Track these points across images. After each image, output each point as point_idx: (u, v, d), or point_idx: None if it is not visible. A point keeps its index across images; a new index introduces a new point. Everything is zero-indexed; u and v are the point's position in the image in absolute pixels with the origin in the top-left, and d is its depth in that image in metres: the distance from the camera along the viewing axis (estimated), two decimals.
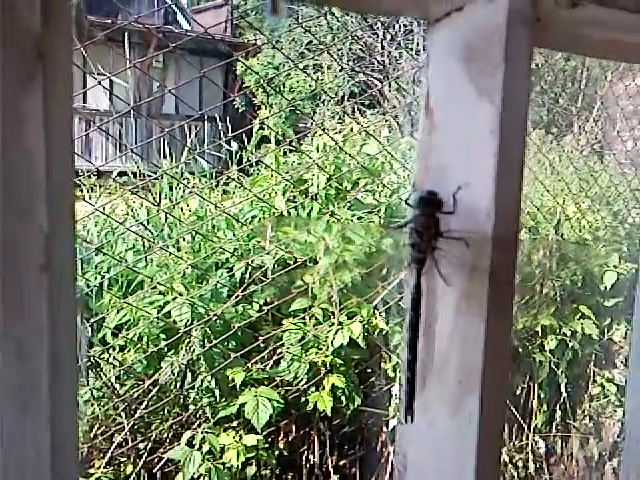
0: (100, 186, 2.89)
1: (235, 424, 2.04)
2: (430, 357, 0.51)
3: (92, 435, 1.77)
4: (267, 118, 2.68)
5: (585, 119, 5.51)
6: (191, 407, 2.03)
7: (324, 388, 2.09)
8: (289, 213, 2.35)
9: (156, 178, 2.57)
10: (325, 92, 7.07)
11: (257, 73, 8.60)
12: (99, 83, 1.76)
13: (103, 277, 2.10)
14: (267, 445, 2.02)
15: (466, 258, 0.49)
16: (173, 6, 13.39)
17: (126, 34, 7.90)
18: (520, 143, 0.49)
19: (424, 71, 0.50)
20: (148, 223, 2.35)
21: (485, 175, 0.47)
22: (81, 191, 2.71)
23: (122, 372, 1.95)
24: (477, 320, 0.48)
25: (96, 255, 2.13)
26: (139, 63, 7.03)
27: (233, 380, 2.02)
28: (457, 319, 0.49)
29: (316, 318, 2.15)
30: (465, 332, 0.49)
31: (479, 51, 0.47)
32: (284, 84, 8.77)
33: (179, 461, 1.85)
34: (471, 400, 0.48)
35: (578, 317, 2.78)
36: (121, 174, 2.82)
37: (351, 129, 3.00)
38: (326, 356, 2.10)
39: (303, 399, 2.08)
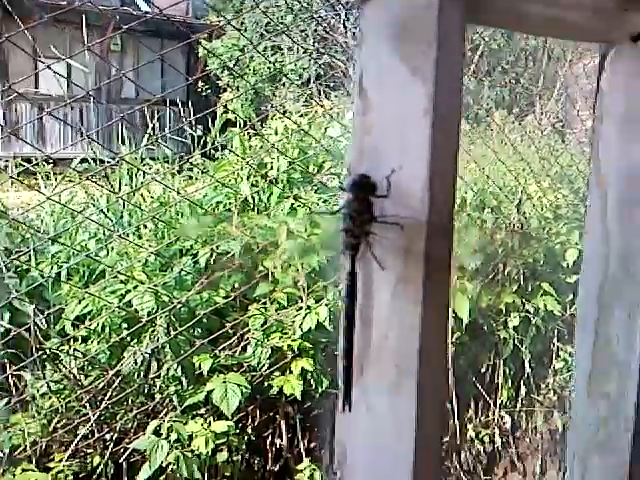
0: (60, 174, 2.81)
1: (203, 411, 2.03)
2: (368, 343, 0.50)
3: (52, 428, 1.74)
4: (230, 101, 2.62)
5: (547, 99, 5.58)
6: (157, 396, 2.01)
7: (292, 372, 2.09)
8: (253, 198, 2.33)
9: (116, 165, 2.51)
10: (286, 75, 7.00)
11: (215, 54, 8.44)
12: (48, 67, 1.69)
13: (60, 267, 2.06)
14: (237, 431, 2.02)
15: (401, 242, 0.48)
16: None
17: (81, 16, 7.68)
18: (455, 124, 0.48)
19: (357, 50, 0.49)
20: (108, 211, 2.30)
21: (419, 157, 0.46)
22: (35, 179, 2.64)
23: (86, 363, 1.91)
24: (413, 304, 0.48)
25: (52, 245, 2.08)
26: (97, 47, 6.85)
27: (200, 367, 2.00)
28: (394, 304, 0.49)
29: (279, 303, 2.14)
30: (402, 317, 0.48)
31: (411, 29, 0.45)
32: (248, 66, 8.65)
33: (145, 450, 1.84)
34: (409, 384, 0.48)
35: (541, 294, 2.83)
36: (83, 161, 2.75)
37: (315, 112, 2.98)
38: (293, 340, 2.09)
39: (266, 383, 2.08)
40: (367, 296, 0.50)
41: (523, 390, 2.87)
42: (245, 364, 2.07)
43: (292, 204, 2.39)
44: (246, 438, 2.12)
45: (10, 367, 1.73)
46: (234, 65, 7.68)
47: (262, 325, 2.12)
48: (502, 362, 2.78)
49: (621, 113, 0.65)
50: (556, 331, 2.89)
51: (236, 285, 2.15)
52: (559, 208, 3.22)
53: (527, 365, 2.80)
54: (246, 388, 1.95)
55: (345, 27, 7.20)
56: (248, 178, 2.37)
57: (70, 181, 2.67)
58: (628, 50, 0.63)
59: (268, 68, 8.30)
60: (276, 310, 2.15)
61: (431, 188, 0.46)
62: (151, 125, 2.91)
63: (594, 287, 0.69)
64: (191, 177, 2.98)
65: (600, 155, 0.66)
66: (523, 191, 3.04)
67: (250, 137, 2.67)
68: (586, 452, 0.70)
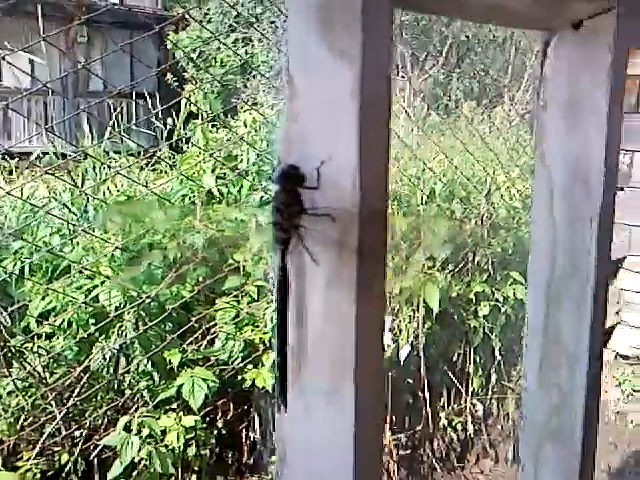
0: (26, 168, 2.76)
1: (175, 406, 2.02)
2: (303, 340, 0.49)
3: (19, 427, 1.70)
4: (191, 93, 2.59)
5: (515, 89, 5.63)
6: (127, 391, 1.99)
7: (263, 365, 2.08)
8: (219, 191, 2.30)
9: (78, 159, 2.46)
10: (255, 66, 6.96)
11: (176, 45, 8.34)
12: (3, 59, 1.65)
13: (23, 263, 2.01)
14: (205, 425, 2.01)
15: (333, 235, 0.46)
16: None
17: (39, 6, 7.49)
18: (384, 108, 0.46)
19: (283, 36, 0.47)
20: (72, 205, 2.26)
21: (348, 144, 0.44)
22: None
23: (51, 360, 1.88)
24: (347, 299, 0.46)
25: (14, 241, 2.04)
26: (62, 40, 6.71)
27: (170, 362, 1.99)
28: (328, 299, 0.47)
29: (250, 296, 2.13)
30: (337, 312, 0.47)
31: (336, 12, 0.44)
32: (215, 58, 8.57)
33: (116, 447, 1.82)
34: (346, 381, 0.47)
35: (510, 283, 2.87)
36: (44, 155, 2.70)
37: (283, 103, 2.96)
38: (264, 333, 2.09)
39: (239, 377, 2.07)
40: (300, 291, 0.49)
41: (494, 377, 2.91)
42: (214, 358, 2.06)
43: (262, 196, 2.38)
44: (216, 432, 2.11)
45: None
46: (197, 57, 7.57)
47: (234, 318, 2.10)
48: (473, 350, 2.81)
49: (564, 99, 0.65)
50: (526, 319, 2.93)
51: (200, 279, 2.13)
52: (528, 198, 3.26)
53: (497, 353, 2.83)
54: (213, 382, 1.94)
55: None
56: (213, 171, 2.34)
57: (33, 175, 2.61)
58: (570, 36, 0.64)
59: (240, 60, 8.24)
60: (248, 303, 2.14)
61: (362, 176, 0.45)
62: (114, 118, 2.86)
63: (542, 280, 0.69)
64: (160, 170, 2.94)
65: (545, 144, 0.66)
66: (492, 181, 3.07)
67: (217, 129, 2.64)
68: (539, 441, 0.71)
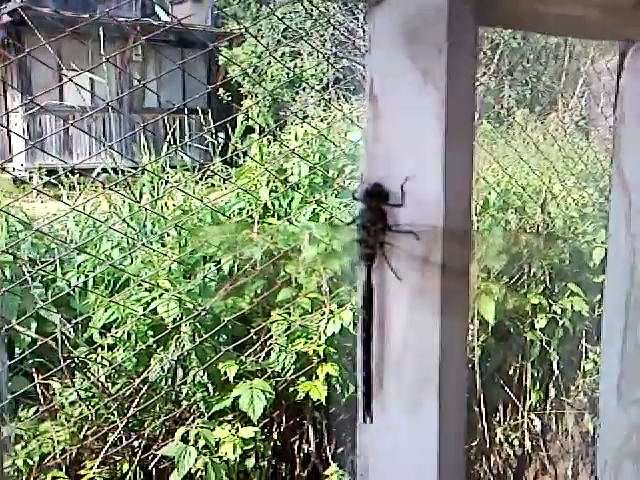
0: (83, 184, 2.85)
1: (230, 417, 2.04)
2: (385, 356, 0.49)
3: (82, 436, 1.75)
4: (249, 108, 2.64)
5: (569, 96, 5.50)
6: (184, 403, 2.03)
7: (317, 377, 2.09)
8: (272, 204, 2.33)
9: (136, 174, 2.54)
10: (305, 80, 7.02)
11: (233, 61, 8.50)
12: (70, 80, 1.72)
13: (87, 276, 2.08)
14: (263, 437, 2.02)
15: (417, 252, 0.47)
16: None
17: (101, 29, 7.78)
18: (469, 128, 0.47)
19: (367, 56, 0.48)
20: (132, 220, 2.32)
21: (433, 164, 0.45)
22: (56, 188, 2.67)
23: (113, 371, 1.93)
24: (431, 315, 0.46)
25: (78, 255, 2.11)
26: (117, 58, 6.94)
27: (226, 373, 2.01)
28: (411, 315, 0.48)
29: (303, 308, 2.14)
30: (419, 328, 0.47)
31: (421, 33, 0.44)
32: (266, 72, 8.70)
33: (174, 457, 1.85)
34: (429, 398, 0.47)
35: (567, 295, 2.79)
36: (103, 171, 2.79)
37: (334, 116, 2.98)
38: (318, 345, 2.09)
39: (292, 389, 2.08)
40: (383, 307, 0.50)
41: (552, 392, 2.83)
42: (269, 370, 2.07)
43: (314, 209, 2.39)
44: (272, 444, 2.12)
45: (38, 376, 1.76)
46: (252, 72, 7.71)
47: (285, 330, 2.11)
48: (530, 364, 2.74)
49: None
50: (584, 332, 2.84)
51: (258, 291, 2.15)
52: (584, 207, 3.17)
53: (555, 367, 2.76)
54: (270, 394, 1.95)
55: (364, 31, 7.20)
56: (267, 184, 2.37)
57: (95, 191, 2.70)
58: None
59: (287, 74, 8.34)
60: (300, 315, 2.15)
61: (446, 195, 0.45)
62: (170, 134, 2.93)
63: (621, 292, 0.67)
64: (213, 184, 3.00)
65: (622, 157, 0.64)
66: (547, 190, 3.00)
67: (269, 143, 2.67)
68: (617, 460, 0.68)
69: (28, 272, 1.83)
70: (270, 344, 2.11)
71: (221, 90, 3.84)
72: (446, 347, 0.47)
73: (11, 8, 8.93)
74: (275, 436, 2.17)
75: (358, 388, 0.52)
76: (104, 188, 1.97)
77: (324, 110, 3.94)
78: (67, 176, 2.85)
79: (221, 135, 3.33)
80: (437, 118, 0.44)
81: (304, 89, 6.99)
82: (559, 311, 2.74)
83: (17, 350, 1.84)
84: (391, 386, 0.49)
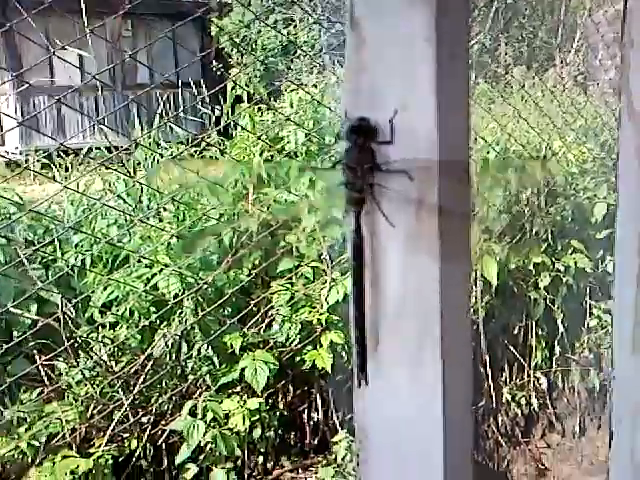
0: (80, 164, 2.82)
1: (238, 389, 2.04)
2: (381, 310, 0.45)
3: (89, 415, 1.76)
4: (236, 77, 2.57)
5: (566, 51, 5.40)
6: (190, 377, 2.03)
7: (322, 345, 2.08)
8: (268, 174, 2.30)
9: (129, 150, 2.50)
10: (299, 46, 6.90)
11: (222, 29, 8.35)
12: (53, 53, 1.68)
13: (84, 255, 2.06)
14: (268, 407, 2.03)
15: (410, 193, 0.42)
16: None
17: (82, 2, 7.60)
18: (462, 53, 0.42)
19: None
20: (128, 196, 2.29)
21: (424, 93, 0.40)
22: (52, 170, 2.64)
23: (116, 349, 1.93)
24: (429, 261, 0.42)
25: (75, 234, 2.09)
26: (107, 33, 6.82)
27: (231, 346, 2.01)
28: (407, 263, 0.43)
29: (306, 277, 2.12)
30: (417, 277, 0.43)
31: None
32: (256, 42, 8.55)
33: (183, 431, 1.85)
34: (431, 353, 0.43)
35: (570, 252, 2.77)
36: (96, 149, 2.75)
37: (327, 81, 2.93)
38: (321, 314, 2.08)
39: (298, 358, 2.07)
40: (376, 257, 0.45)
41: (557, 350, 2.83)
42: (272, 340, 2.07)
43: (311, 177, 2.36)
44: (278, 414, 2.13)
45: (40, 357, 1.75)
46: (241, 41, 7.55)
47: (289, 300, 2.10)
48: (534, 323, 2.74)
49: None
50: (588, 288, 2.83)
51: (256, 262, 2.13)
52: (585, 163, 3.14)
53: (560, 325, 2.75)
54: (274, 365, 1.95)
55: None
56: (261, 154, 2.33)
57: (87, 169, 2.67)
58: None
59: (280, 42, 8.20)
60: (303, 285, 2.14)
61: (440, 127, 0.40)
62: (162, 107, 2.88)
63: (634, 233, 0.63)
64: (210, 157, 2.96)
65: (632, 86, 0.59)
66: (547, 147, 2.96)
67: (262, 112, 2.63)
68: (635, 412, 0.65)
69: (24, 254, 1.81)
70: (271, 315, 2.11)
71: (215, 62, 3.78)
72: (447, 295, 0.42)
73: None
74: (281, 406, 2.18)
75: (352, 349, 0.47)
76: (97, 166, 1.94)
77: (317, 77, 3.88)
78: (60, 156, 2.81)
79: (218, 108, 3.29)
80: (427, 42, 0.40)
81: (298, 57, 6.87)
82: (562, 269, 2.72)
83: (15, 333, 1.83)
84: (388, 344, 0.45)
